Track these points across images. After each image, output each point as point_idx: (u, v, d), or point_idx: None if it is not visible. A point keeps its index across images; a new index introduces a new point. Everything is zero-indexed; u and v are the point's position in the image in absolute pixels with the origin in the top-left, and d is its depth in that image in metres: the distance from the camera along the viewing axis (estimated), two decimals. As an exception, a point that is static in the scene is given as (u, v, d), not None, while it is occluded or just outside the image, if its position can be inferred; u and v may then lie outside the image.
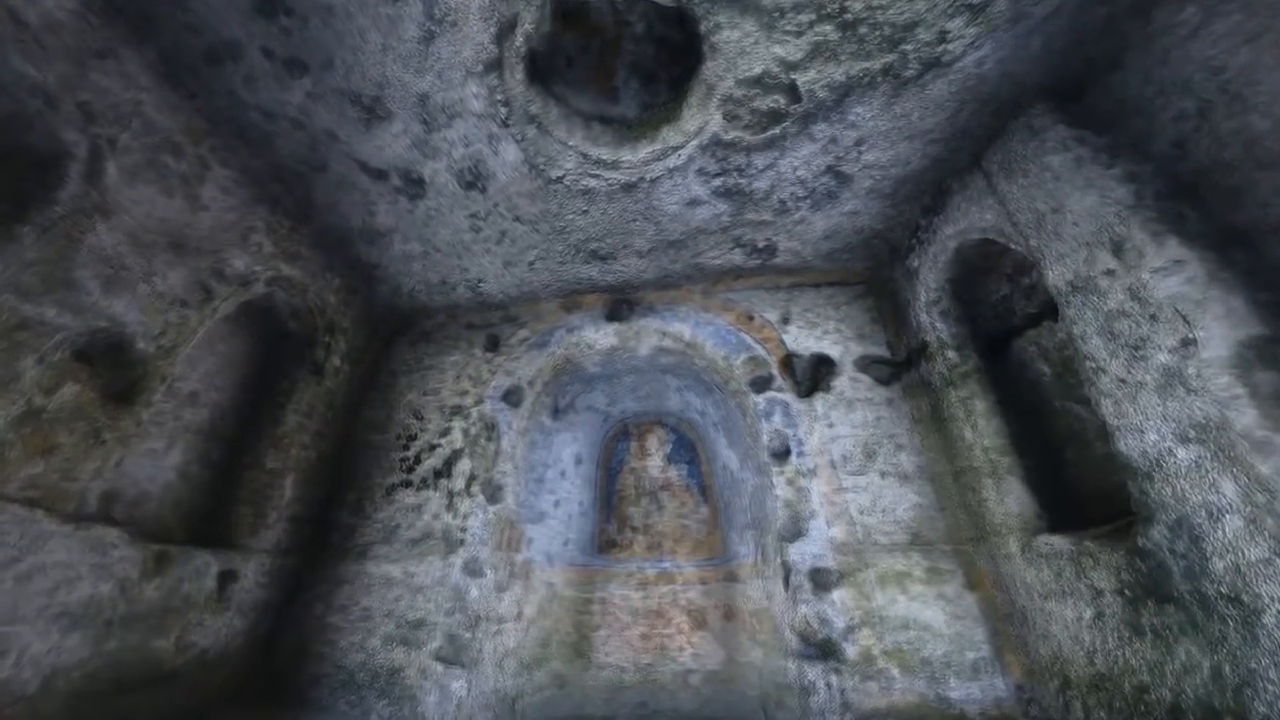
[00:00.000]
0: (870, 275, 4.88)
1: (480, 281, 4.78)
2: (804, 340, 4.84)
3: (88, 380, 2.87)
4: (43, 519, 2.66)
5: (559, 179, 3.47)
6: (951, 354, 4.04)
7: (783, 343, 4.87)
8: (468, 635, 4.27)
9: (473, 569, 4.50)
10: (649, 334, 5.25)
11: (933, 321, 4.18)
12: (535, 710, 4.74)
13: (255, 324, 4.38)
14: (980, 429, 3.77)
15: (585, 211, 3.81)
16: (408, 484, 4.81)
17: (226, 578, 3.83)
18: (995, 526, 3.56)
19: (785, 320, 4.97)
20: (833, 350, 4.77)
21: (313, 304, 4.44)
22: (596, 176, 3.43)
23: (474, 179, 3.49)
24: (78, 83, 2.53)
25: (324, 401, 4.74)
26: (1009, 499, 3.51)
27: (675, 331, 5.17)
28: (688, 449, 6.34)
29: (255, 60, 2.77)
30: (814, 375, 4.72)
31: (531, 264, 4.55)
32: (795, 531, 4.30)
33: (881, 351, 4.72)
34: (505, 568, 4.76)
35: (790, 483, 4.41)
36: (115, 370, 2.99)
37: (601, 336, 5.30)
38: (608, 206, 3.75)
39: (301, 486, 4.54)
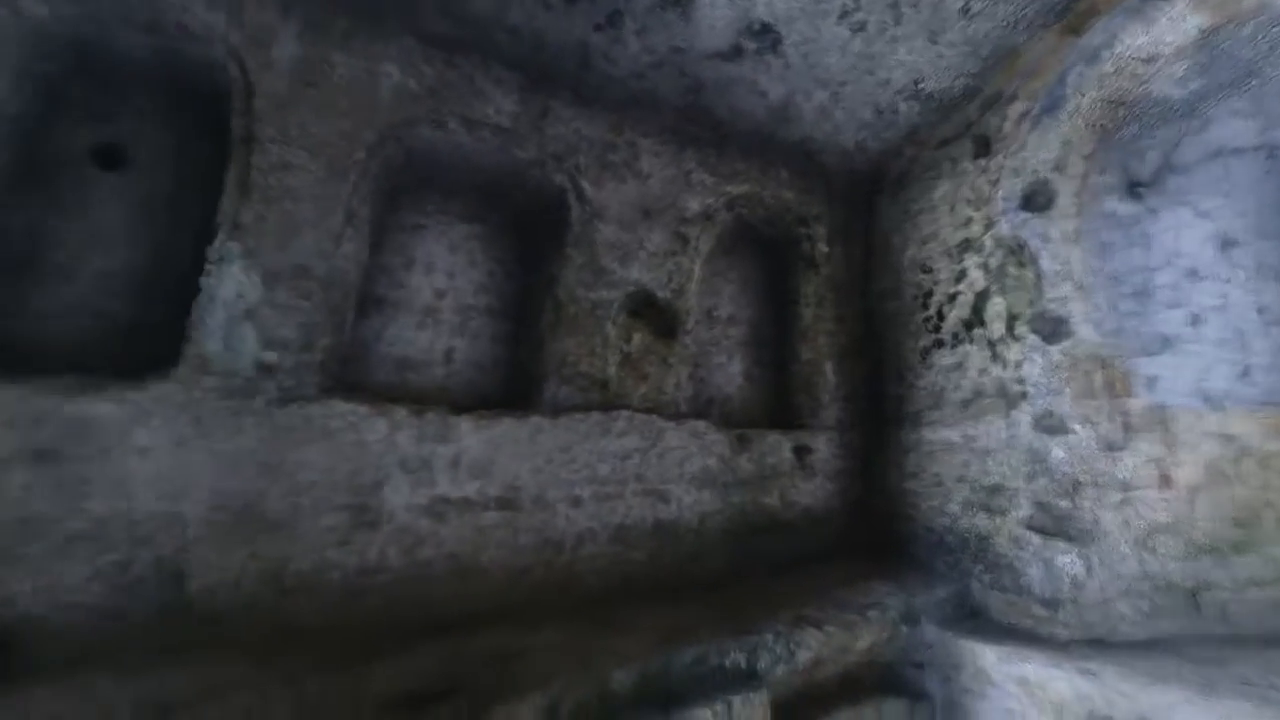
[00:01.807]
0: None
1: (919, 82, 3.69)
2: None
3: (643, 328, 4.12)
4: (657, 420, 3.98)
5: None
6: None
7: None
8: (1065, 504, 3.35)
9: (1048, 425, 3.50)
10: (1287, -46, 2.59)
11: None
12: (1251, 614, 3.17)
13: (743, 246, 5.03)
14: None
15: None
16: (939, 344, 4.27)
17: (801, 451, 4.54)
18: None
19: None
20: None
21: (773, 206, 4.68)
22: None
23: (805, -27, 2.79)
24: (544, 143, 3.74)
25: (827, 288, 4.88)
26: None
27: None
28: None
29: (598, 41, 3.27)
30: None
31: (965, 10, 3.15)
32: None
33: None
34: (1111, 419, 3.44)
35: None
36: (655, 317, 4.15)
37: (1169, 27, 3.03)
38: None
39: (840, 369, 4.82)
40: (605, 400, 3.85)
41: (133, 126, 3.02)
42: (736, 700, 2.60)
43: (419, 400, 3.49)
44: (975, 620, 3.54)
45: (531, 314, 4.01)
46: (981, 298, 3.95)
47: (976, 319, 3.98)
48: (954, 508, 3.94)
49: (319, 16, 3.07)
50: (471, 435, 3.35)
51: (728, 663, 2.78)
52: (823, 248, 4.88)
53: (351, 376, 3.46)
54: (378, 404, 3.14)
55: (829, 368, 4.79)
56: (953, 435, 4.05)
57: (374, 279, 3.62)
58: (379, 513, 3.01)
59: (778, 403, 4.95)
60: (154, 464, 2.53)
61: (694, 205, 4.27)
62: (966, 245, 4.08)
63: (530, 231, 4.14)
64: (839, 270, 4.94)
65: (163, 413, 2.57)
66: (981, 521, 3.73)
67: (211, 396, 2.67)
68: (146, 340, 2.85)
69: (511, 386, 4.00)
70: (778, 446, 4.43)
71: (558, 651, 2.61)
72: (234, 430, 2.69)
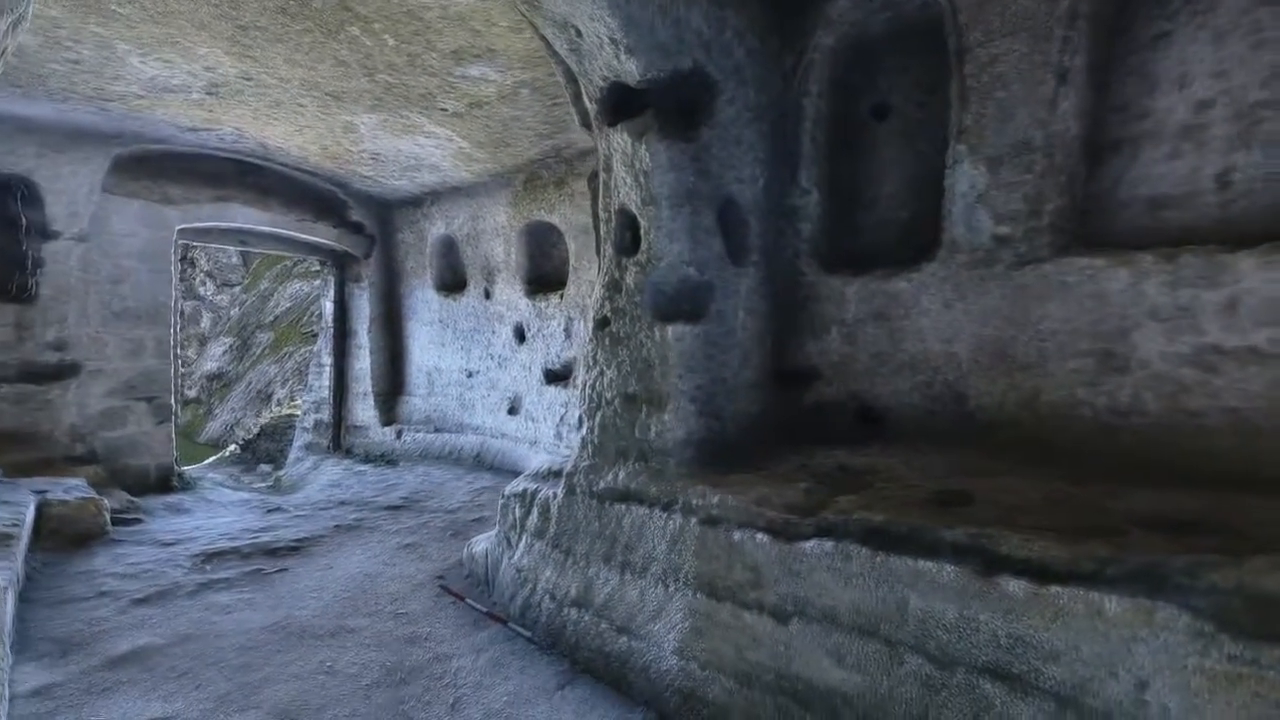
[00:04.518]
0: None
1: None
2: None
3: None
4: None
5: None
6: None
7: None
8: None
9: None
10: None
11: None
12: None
13: None
14: None
15: None
16: None
17: None
18: None
19: None
20: None
21: None
22: None
23: None
24: None
25: None
26: None
27: None
28: None
29: None
30: None
31: None
32: None
33: None
34: None
35: None
36: None
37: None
38: None
39: None
40: None
41: (888, 83, 4.19)
42: None
43: (1179, 241, 3.15)
44: None
45: (1390, 79, 2.62)
46: None
47: None
48: None
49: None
50: (1256, 274, 2.78)
51: None
52: None
53: (1090, 230, 3.51)
54: (1116, 254, 3.15)
55: None
56: None
57: (1102, 124, 3.42)
58: (1127, 359, 3.11)
59: None
60: (933, 320, 3.71)
61: None
62: None
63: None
64: None
65: (934, 285, 3.70)
66: None
67: (962, 269, 3.56)
68: (918, 235, 4.04)
69: (1350, 198, 2.83)
70: None
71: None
72: (981, 293, 3.50)
